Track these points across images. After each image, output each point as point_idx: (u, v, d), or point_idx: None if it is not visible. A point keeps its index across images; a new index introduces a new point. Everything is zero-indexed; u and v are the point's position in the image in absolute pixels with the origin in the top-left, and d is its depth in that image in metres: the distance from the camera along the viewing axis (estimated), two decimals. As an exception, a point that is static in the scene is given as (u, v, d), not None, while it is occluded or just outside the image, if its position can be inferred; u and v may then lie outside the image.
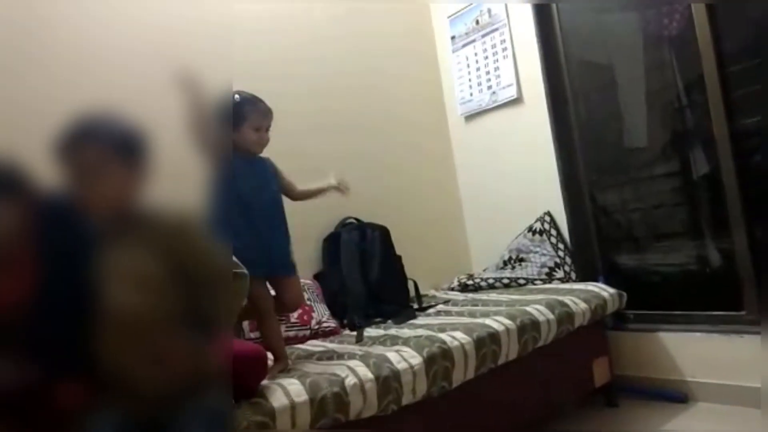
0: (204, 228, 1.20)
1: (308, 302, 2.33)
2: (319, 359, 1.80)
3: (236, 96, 1.81)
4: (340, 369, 1.60)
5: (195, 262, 1.18)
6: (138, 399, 1.10)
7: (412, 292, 2.73)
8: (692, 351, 2.39)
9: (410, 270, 2.76)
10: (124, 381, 1.10)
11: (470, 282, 2.91)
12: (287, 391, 1.44)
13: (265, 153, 1.91)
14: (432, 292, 2.91)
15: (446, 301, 2.64)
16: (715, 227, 2.54)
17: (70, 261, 1.07)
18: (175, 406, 1.12)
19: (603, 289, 2.41)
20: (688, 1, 2.40)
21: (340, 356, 1.79)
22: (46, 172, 1.09)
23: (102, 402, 1.07)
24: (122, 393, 1.10)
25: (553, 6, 2.83)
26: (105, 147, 1.14)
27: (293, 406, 1.40)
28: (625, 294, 2.47)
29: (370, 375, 1.58)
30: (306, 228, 2.59)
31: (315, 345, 2.10)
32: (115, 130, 1.16)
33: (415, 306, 2.58)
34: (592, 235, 2.81)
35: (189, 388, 1.14)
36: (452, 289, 2.92)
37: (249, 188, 1.80)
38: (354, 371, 1.58)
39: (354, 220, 2.72)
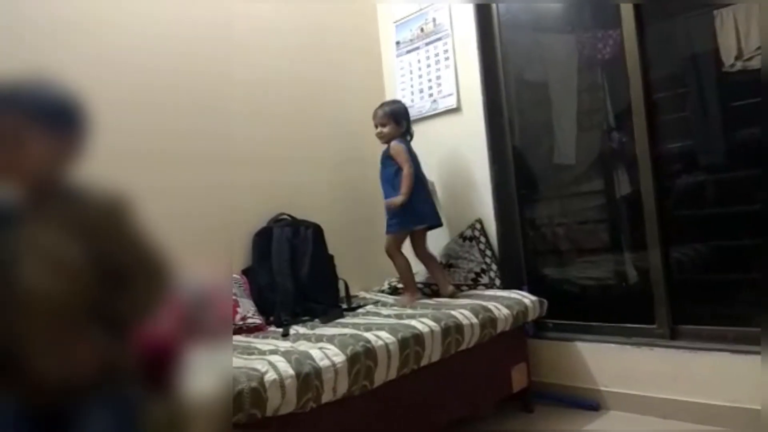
0: (137, 214, 1.14)
1: (234, 297, 2.29)
2: (241, 353, 1.77)
3: None
4: (260, 364, 1.57)
5: (120, 251, 1.11)
6: (39, 387, 1.04)
7: (343, 293, 2.73)
8: (606, 361, 2.50)
9: (342, 270, 2.76)
10: (25, 367, 1.03)
11: (400, 285, 2.93)
12: (203, 383, 1.40)
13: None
14: (362, 293, 2.91)
15: (375, 303, 2.65)
16: (633, 245, 2.67)
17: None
18: (79, 397, 1.06)
19: (525, 297, 2.48)
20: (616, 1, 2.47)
21: (262, 352, 1.76)
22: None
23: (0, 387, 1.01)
24: (22, 379, 1.04)
25: (495, 22, 2.91)
26: (25, 115, 1.05)
27: (208, 400, 1.36)
28: (545, 301, 2.55)
29: (290, 371, 1.56)
30: (237, 222, 2.54)
31: (238, 340, 2.06)
32: (41, 98, 1.08)
33: (344, 306, 2.58)
34: (519, 245, 2.89)
35: (96, 381, 1.09)
36: (382, 292, 2.94)
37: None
38: (275, 367, 1.56)
39: (287, 216, 2.69)
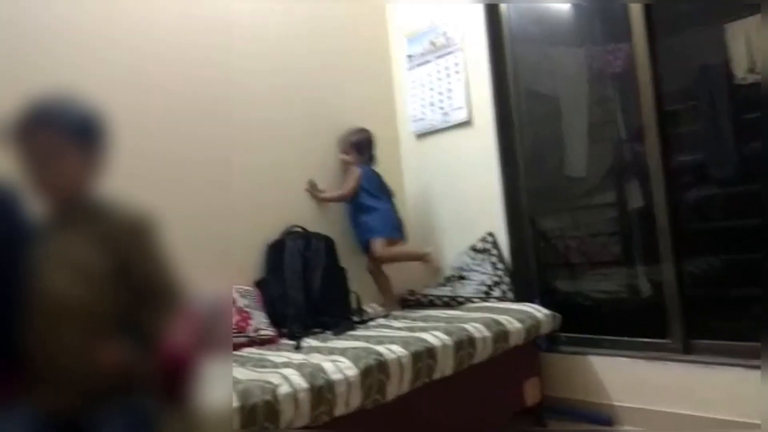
0: (161, 233, 1.17)
1: (246, 309, 2.30)
2: (254, 366, 1.78)
3: None
4: (273, 377, 1.58)
5: (143, 268, 1.14)
6: (58, 391, 1.06)
7: (354, 305, 2.73)
8: (619, 375, 2.48)
9: (354, 283, 2.76)
10: (47, 370, 1.06)
11: (411, 298, 2.94)
12: (218, 396, 1.41)
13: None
14: (374, 306, 2.91)
15: (386, 316, 2.65)
16: (646, 258, 2.65)
17: (5, 243, 1.04)
18: (96, 405, 1.08)
19: (538, 310, 2.47)
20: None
21: (275, 364, 1.77)
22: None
23: (22, 390, 1.04)
24: (43, 383, 1.06)
25: (506, 35, 2.92)
26: (60, 133, 1.10)
27: (222, 413, 1.37)
28: (559, 315, 2.54)
29: (304, 384, 1.56)
30: (249, 233, 2.55)
31: (251, 352, 2.07)
32: (72, 115, 1.13)
33: (356, 319, 2.58)
34: (531, 257, 2.88)
35: (113, 389, 1.11)
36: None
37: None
38: (288, 380, 1.57)
39: (299, 229, 2.70)
